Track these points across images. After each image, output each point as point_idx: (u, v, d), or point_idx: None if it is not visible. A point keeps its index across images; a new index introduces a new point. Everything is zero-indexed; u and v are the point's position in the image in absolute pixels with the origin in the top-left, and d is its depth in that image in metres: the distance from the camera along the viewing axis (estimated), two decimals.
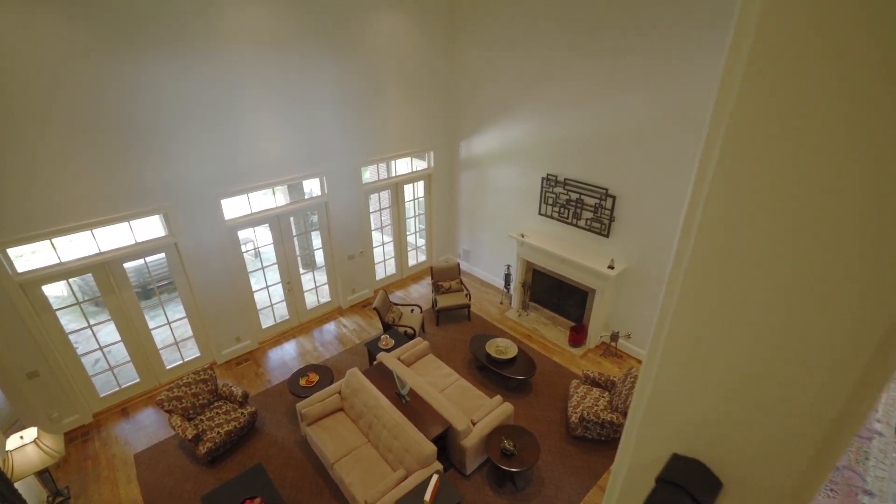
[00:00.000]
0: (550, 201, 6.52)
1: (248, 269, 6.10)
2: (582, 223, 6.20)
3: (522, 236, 6.81)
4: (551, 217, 6.58)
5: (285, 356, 6.28)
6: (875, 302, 0.44)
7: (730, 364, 0.55)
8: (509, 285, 7.51)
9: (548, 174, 6.41)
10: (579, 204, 6.12)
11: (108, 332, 5.59)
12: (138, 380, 5.60)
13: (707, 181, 0.52)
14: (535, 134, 6.39)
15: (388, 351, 5.60)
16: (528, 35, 5.96)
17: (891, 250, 0.43)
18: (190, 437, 4.45)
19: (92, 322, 5.11)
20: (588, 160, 5.84)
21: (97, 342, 5.20)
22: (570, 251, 6.26)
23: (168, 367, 5.79)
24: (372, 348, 5.72)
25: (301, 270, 6.83)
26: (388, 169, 7.45)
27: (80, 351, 5.07)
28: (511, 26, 6.14)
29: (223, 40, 4.84)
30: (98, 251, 4.84)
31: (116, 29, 4.20)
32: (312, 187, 6.69)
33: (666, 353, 0.61)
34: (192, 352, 5.99)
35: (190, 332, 5.84)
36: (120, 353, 5.46)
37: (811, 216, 0.46)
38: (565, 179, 6.19)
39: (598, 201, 5.87)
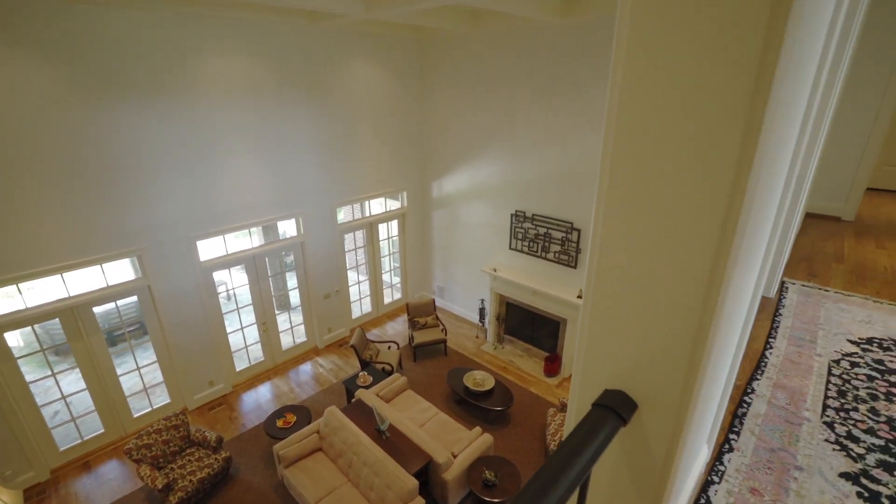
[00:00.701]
0: (520, 236, 6.86)
1: (223, 311, 6.06)
2: (551, 256, 6.53)
3: (495, 270, 7.08)
4: (521, 251, 6.90)
5: (260, 399, 6.14)
6: (698, 281, 0.67)
7: (631, 325, 0.77)
8: (484, 319, 7.68)
9: (516, 210, 6.78)
10: (547, 238, 6.48)
11: (72, 381, 5.38)
12: (102, 430, 5.35)
13: (602, 205, 0.76)
14: (503, 172, 6.81)
15: (366, 388, 5.59)
16: (493, 81, 6.49)
17: (699, 247, 0.66)
18: (160, 486, 4.26)
19: (55, 370, 4.92)
20: (554, 196, 6.25)
21: (60, 391, 4.99)
22: (541, 283, 6.55)
23: (135, 416, 5.56)
24: (350, 386, 5.70)
25: (276, 311, 6.82)
26: (363, 209, 7.68)
27: (39, 402, 4.85)
28: (476, 74, 6.68)
29: (203, 87, 5.08)
30: (67, 295, 4.76)
31: (96, 76, 4.33)
32: (287, 228, 6.81)
33: (591, 323, 0.82)
34: (161, 398, 5.79)
35: (160, 378, 5.67)
36: (83, 402, 5.23)
37: (662, 225, 0.69)
38: (533, 215, 6.57)
39: (564, 234, 6.24)
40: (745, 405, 2.03)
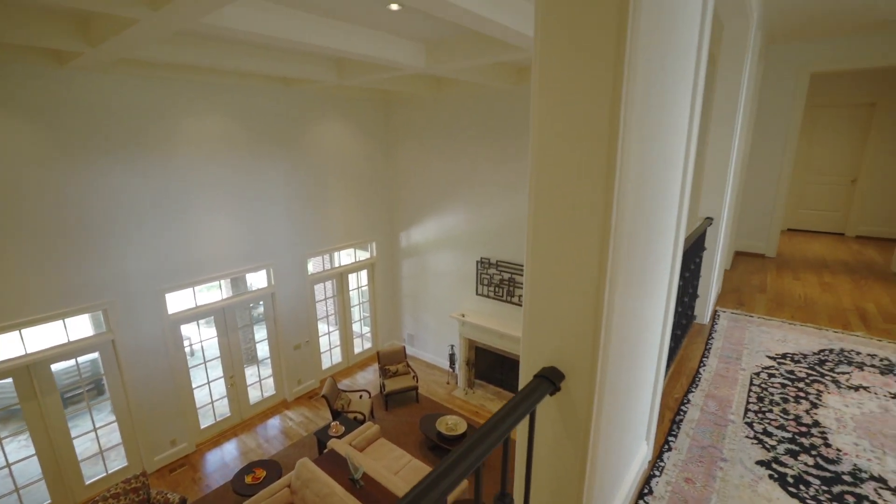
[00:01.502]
0: (486, 282, 7.22)
1: (189, 365, 5.94)
2: (515, 299, 6.88)
3: (463, 316, 7.34)
4: (488, 296, 7.23)
5: (226, 457, 5.91)
6: (591, 285, 0.99)
7: (556, 318, 1.07)
8: (454, 365, 7.81)
9: (481, 257, 7.18)
10: (511, 282, 6.86)
11: (18, 447, 5.05)
12: (49, 501, 4.97)
13: (531, 232, 1.09)
14: (468, 221, 7.26)
15: (338, 437, 5.54)
16: (455, 137, 7.09)
17: (589, 263, 0.99)
18: None
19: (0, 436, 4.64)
20: (515, 242, 6.71)
21: (4, 458, 4.68)
22: (508, 326, 6.84)
23: (88, 482, 5.22)
24: (322, 437, 5.62)
25: (244, 364, 6.71)
26: (333, 260, 7.88)
27: None
28: (439, 131, 7.28)
29: (177, 144, 5.32)
30: (25, 352, 4.61)
31: (69, 134, 4.47)
32: (255, 279, 6.88)
33: (530, 317, 1.12)
34: (117, 462, 5.47)
35: (118, 439, 5.40)
36: (29, 470, 4.90)
37: (567, 247, 1.02)
38: (497, 261, 6.98)
39: None
40: (682, 413, 2.34)
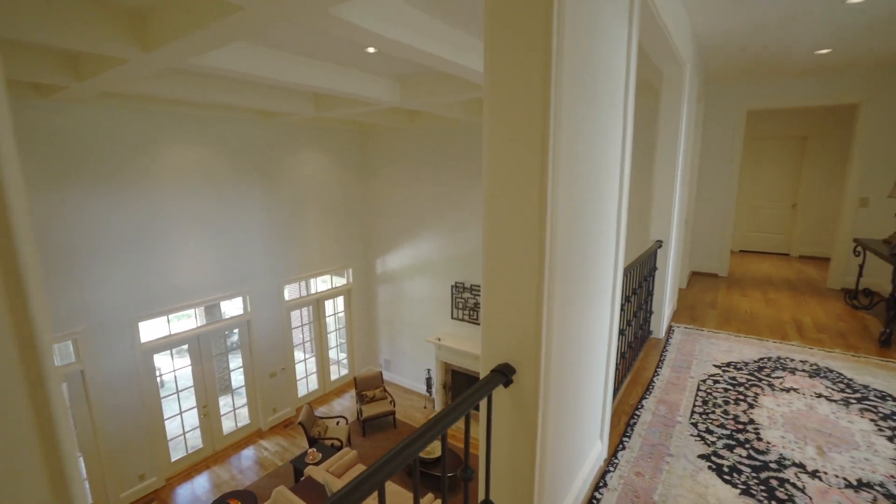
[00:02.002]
0: (461, 305, 7.42)
1: (161, 396, 5.83)
2: None
3: (439, 340, 7.48)
4: (463, 320, 7.42)
5: (197, 490, 5.76)
6: (532, 292, 1.23)
7: (507, 323, 1.30)
8: (431, 389, 7.88)
9: (456, 282, 7.41)
10: None
11: None
12: None
13: (485, 250, 1.33)
14: (442, 247, 7.51)
15: (316, 464, 5.51)
16: (428, 166, 7.41)
17: (530, 274, 1.24)
18: None
19: None
20: None
21: None
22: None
23: None
24: (298, 465, 5.58)
25: (218, 393, 6.62)
26: (309, 286, 7.94)
27: None
28: (413, 160, 7.60)
29: (156, 174, 5.41)
30: None
31: (46, 163, 4.52)
32: (230, 307, 6.87)
33: (486, 322, 1.35)
34: None
35: (83, 475, 5.22)
36: None
37: (513, 261, 1.26)
38: (471, 285, 7.21)
39: None
40: (636, 416, 2.57)
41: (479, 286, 7.08)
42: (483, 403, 1.34)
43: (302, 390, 7.89)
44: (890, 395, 2.77)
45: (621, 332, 2.66)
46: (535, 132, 1.15)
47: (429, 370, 7.91)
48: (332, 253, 7.94)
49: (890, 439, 2.32)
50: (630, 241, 5.70)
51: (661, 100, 3.65)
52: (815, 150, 7.20)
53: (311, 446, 5.99)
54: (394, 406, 7.24)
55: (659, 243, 3.67)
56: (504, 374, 1.25)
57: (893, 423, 2.46)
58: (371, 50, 3.78)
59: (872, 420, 2.50)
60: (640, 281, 3.15)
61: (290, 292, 7.64)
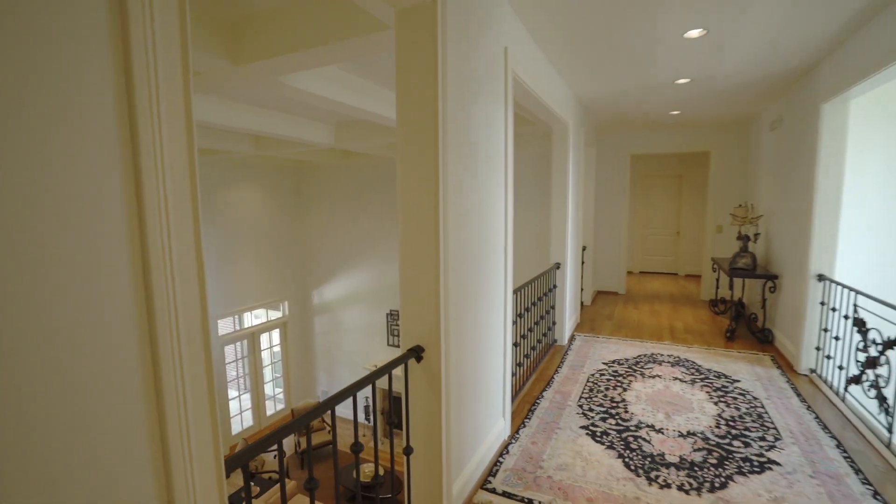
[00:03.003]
0: (396, 332, 7.81)
1: None
2: None
3: (375, 367, 7.76)
4: (398, 346, 7.79)
5: None
6: (433, 287, 1.78)
7: (418, 311, 1.82)
8: (371, 416, 8.06)
9: (391, 310, 7.81)
10: None
11: None
12: None
13: (400, 256, 1.86)
14: (375, 277, 7.93)
15: (255, 497, 5.50)
16: (361, 200, 7.89)
17: (432, 273, 1.79)
18: None
19: None
20: None
21: None
22: None
23: None
24: (235, 501, 5.53)
25: None
26: (244, 320, 7.93)
27: None
28: (347, 195, 8.05)
29: None
30: None
31: None
32: None
33: (403, 312, 1.86)
34: None
35: None
36: None
37: (420, 264, 1.80)
38: None
39: None
40: (537, 404, 3.16)
41: None
42: (402, 374, 1.82)
43: (236, 427, 7.71)
44: (724, 375, 3.62)
45: (522, 337, 3.29)
46: (431, 184, 1.73)
47: (367, 398, 8.10)
48: (268, 286, 8.03)
49: (715, 403, 3.11)
50: (534, 262, 6.52)
51: (553, 149, 4.50)
52: (689, 187, 8.70)
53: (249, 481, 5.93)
54: (333, 436, 7.32)
55: (557, 265, 4.42)
56: (416, 351, 1.76)
57: (721, 394, 3.27)
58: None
59: (707, 392, 3.30)
60: (538, 297, 3.82)
61: (223, 326, 7.58)
